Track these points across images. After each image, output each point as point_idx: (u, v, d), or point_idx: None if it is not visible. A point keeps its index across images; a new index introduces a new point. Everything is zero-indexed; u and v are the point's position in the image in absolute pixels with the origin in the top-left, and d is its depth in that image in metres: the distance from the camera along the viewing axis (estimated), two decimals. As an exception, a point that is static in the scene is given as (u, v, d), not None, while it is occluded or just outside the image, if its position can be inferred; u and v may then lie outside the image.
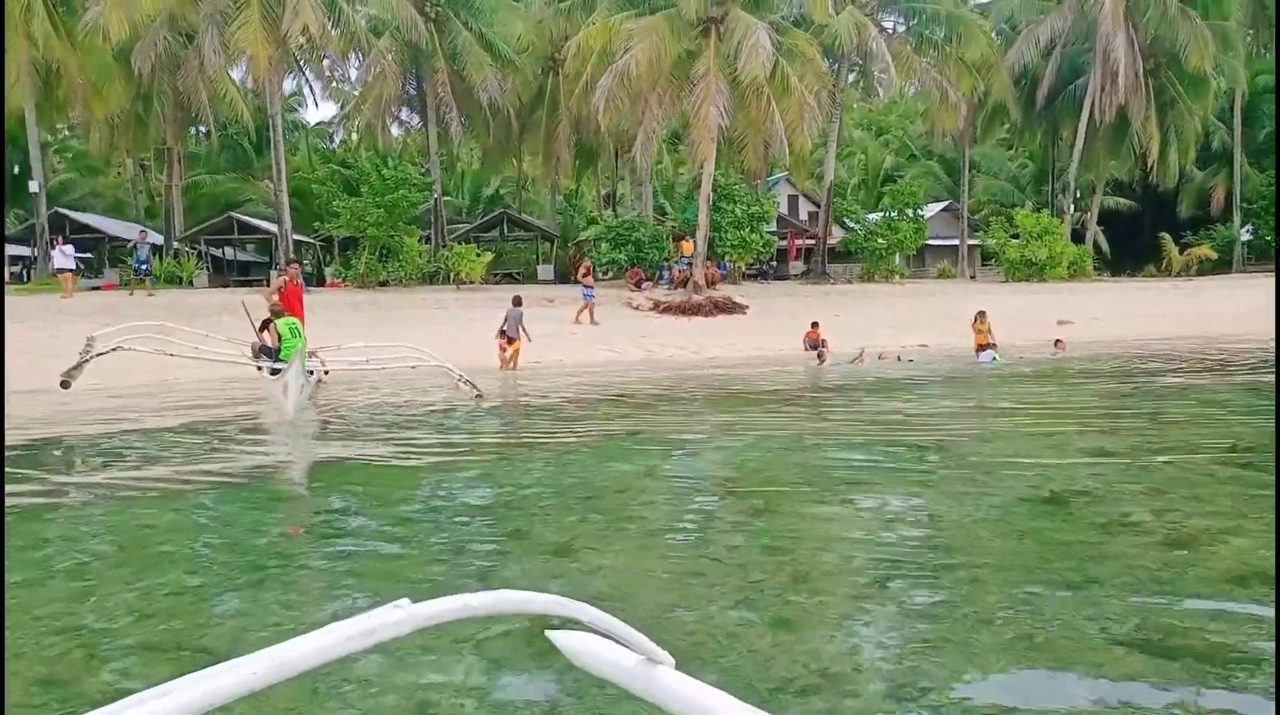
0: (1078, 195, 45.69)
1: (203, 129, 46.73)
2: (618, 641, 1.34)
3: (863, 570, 4.42)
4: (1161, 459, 7.37)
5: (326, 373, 14.58)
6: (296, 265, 16.86)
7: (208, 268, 39.02)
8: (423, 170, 38.19)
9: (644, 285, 34.04)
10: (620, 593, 4.20)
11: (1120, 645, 3.33)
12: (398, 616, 1.20)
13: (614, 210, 45.17)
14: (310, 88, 46.99)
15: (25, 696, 3.18)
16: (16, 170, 44.22)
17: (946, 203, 50.34)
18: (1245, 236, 48.09)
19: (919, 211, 40.19)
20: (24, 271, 38.42)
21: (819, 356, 20.84)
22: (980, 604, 3.84)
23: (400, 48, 35.88)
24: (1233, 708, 2.87)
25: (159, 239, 38.42)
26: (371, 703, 3.08)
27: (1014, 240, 40.26)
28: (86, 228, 40.05)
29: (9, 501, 6.48)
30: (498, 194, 56.28)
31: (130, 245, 33.28)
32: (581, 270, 29.55)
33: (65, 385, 11.71)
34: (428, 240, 37.10)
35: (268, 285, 20.91)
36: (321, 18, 29.99)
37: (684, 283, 32.38)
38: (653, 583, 4.37)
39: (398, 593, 1.30)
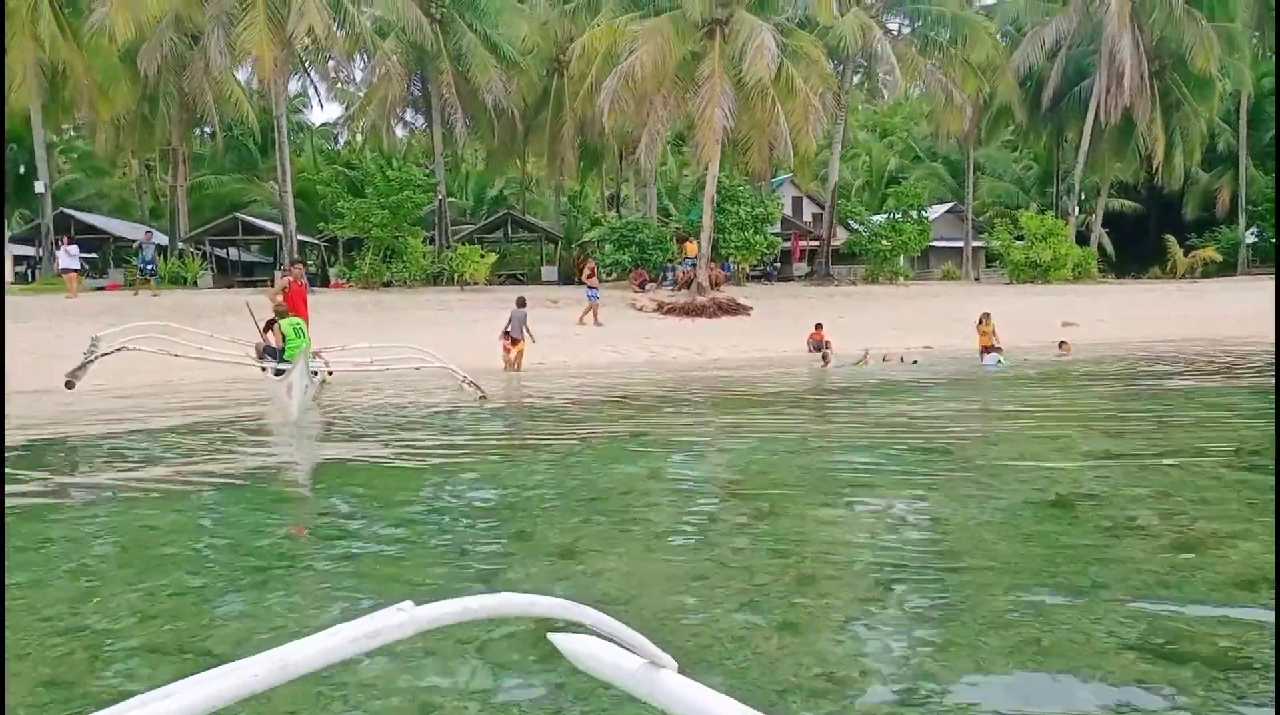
0: (1082, 197, 45.61)
1: (208, 130, 46.80)
2: (620, 645, 1.34)
3: (868, 573, 4.40)
4: (1168, 462, 7.34)
5: (330, 373, 14.58)
6: (301, 266, 16.87)
7: (212, 268, 39.07)
8: (427, 171, 38.22)
9: (648, 286, 34.02)
10: (625, 595, 4.18)
11: (1128, 650, 3.31)
12: (400, 619, 1.20)
13: (618, 211, 45.17)
14: (315, 89, 47.05)
15: (30, 697, 3.18)
16: (22, 171, 44.30)
17: (951, 204, 50.28)
18: (1250, 239, 47.95)
19: (923, 213, 40.12)
20: (29, 272, 38.51)
21: (823, 358, 20.82)
22: (987, 607, 3.82)
23: (405, 49, 35.91)
24: (1242, 713, 2.85)
25: (164, 240, 38.50)
26: (375, 705, 3.07)
27: (1018, 242, 40.20)
28: (91, 228, 40.13)
29: (12, 501, 6.48)
30: (502, 195, 56.31)
31: (136, 245, 33.33)
32: (586, 271, 29.55)
33: (70, 385, 11.72)
34: (432, 241, 37.12)
35: (272, 286, 20.93)
36: (327, 19, 30.03)
37: (688, 284, 32.35)
38: (658, 585, 4.35)
39: (401, 595, 1.29)
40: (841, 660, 3.32)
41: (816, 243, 42.47)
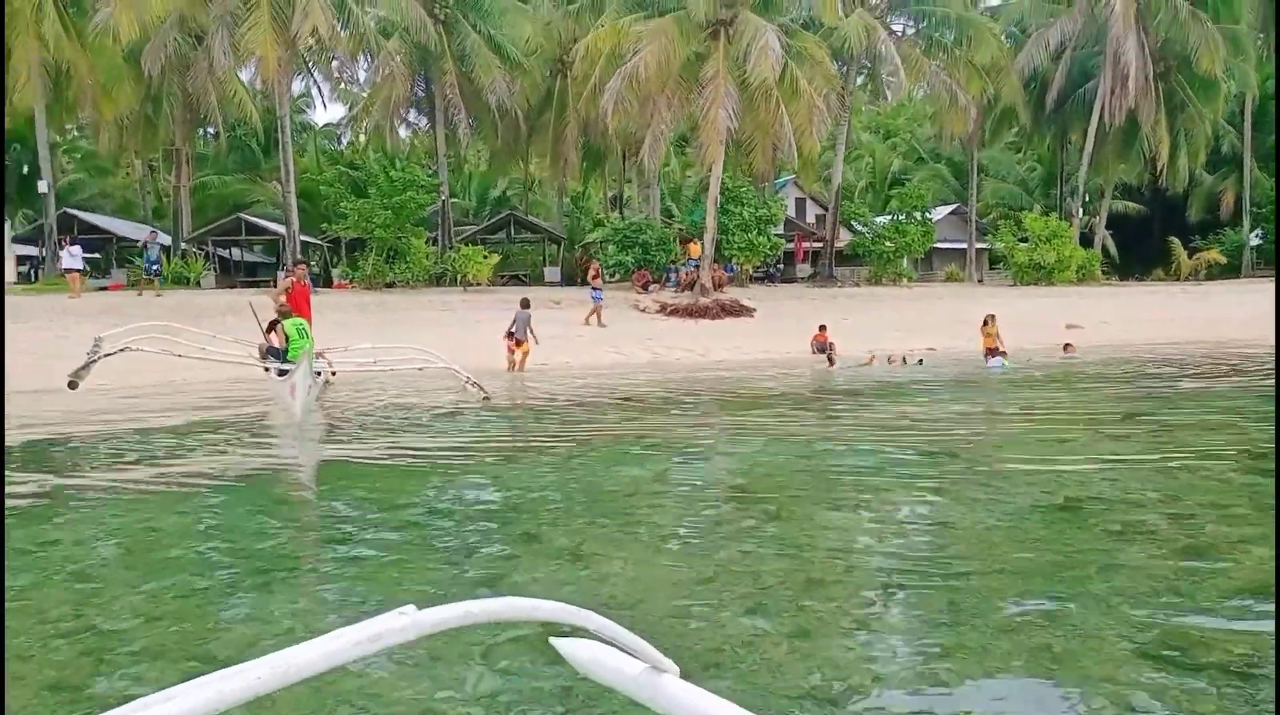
0: (1086, 199, 45.54)
1: (211, 130, 46.83)
2: (623, 649, 1.34)
3: (877, 577, 4.37)
4: (1176, 465, 7.29)
5: (334, 374, 14.57)
6: (304, 266, 16.85)
7: (215, 269, 39.08)
8: (430, 172, 38.23)
9: (651, 287, 33.99)
10: (631, 599, 4.15)
11: (1141, 657, 3.27)
12: (403, 623, 1.20)
13: (621, 212, 45.15)
14: (319, 89, 47.04)
15: (34, 700, 3.15)
16: (26, 170, 44.36)
17: (954, 206, 50.22)
18: (1254, 241, 47.85)
19: (927, 215, 40.08)
20: (32, 271, 38.55)
21: (829, 359, 20.79)
22: (997, 612, 3.78)
23: (409, 49, 35.92)
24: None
25: (168, 240, 38.52)
26: (379, 711, 3.04)
27: (1022, 244, 40.14)
28: (95, 228, 40.16)
29: (16, 502, 6.46)
30: (505, 196, 56.32)
31: (141, 244, 33.38)
32: (591, 272, 29.51)
33: (73, 386, 11.71)
34: (435, 242, 37.11)
35: (275, 286, 20.93)
36: (331, 19, 30.04)
37: (691, 285, 32.32)
38: (664, 589, 4.32)
39: (405, 598, 1.27)
40: (851, 665, 3.28)
41: (820, 244, 42.41)
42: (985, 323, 19.78)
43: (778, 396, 14.52)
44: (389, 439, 9.87)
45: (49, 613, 4.10)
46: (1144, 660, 3.25)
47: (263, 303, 15.65)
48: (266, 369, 12.45)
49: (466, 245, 36.60)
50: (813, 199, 48.49)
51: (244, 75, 35.26)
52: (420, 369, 14.72)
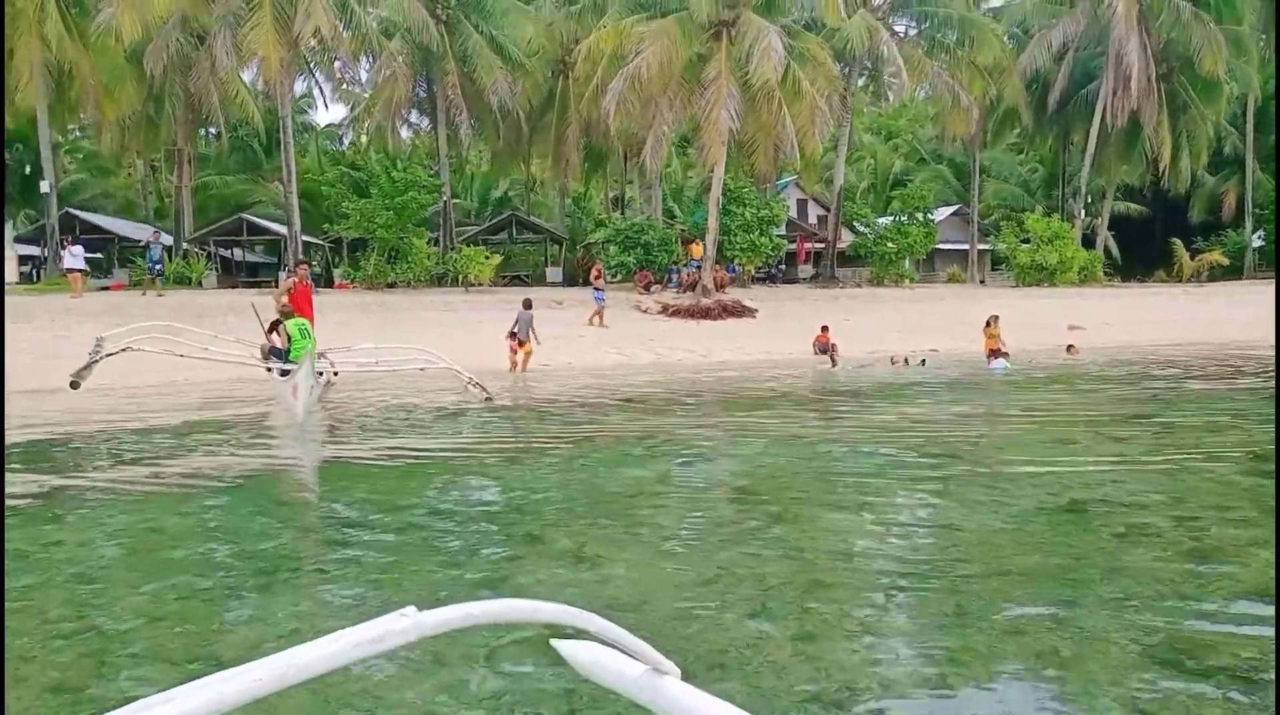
0: (1088, 200, 45.50)
1: (213, 130, 46.85)
2: (624, 651, 1.35)
3: (882, 579, 4.35)
4: (1181, 466, 7.27)
5: (336, 374, 14.56)
6: (306, 266, 16.85)
7: (216, 269, 39.09)
8: (432, 172, 38.23)
9: (652, 288, 33.98)
10: (635, 600, 4.13)
11: (1148, 660, 3.25)
12: (404, 624, 1.20)
13: (622, 213, 45.15)
14: (320, 90, 47.09)
15: (37, 702, 3.14)
16: (28, 171, 44.41)
17: (956, 207, 50.19)
18: (1256, 242, 47.81)
19: (929, 216, 40.06)
20: (34, 271, 38.57)
21: (831, 360, 20.78)
22: (1003, 615, 3.76)
23: (411, 50, 35.93)
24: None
25: (169, 240, 38.53)
26: (382, 712, 3.03)
27: (1024, 245, 40.12)
28: (97, 228, 40.19)
29: (18, 502, 6.45)
30: (506, 196, 56.34)
31: (144, 243, 33.43)
32: (594, 273, 29.50)
33: (75, 386, 11.71)
34: (436, 242, 37.12)
35: (277, 286, 20.93)
36: (333, 19, 30.05)
37: (693, 286, 32.31)
38: (668, 590, 4.30)
39: (408, 599, 1.26)
40: (857, 669, 3.27)
41: (821, 245, 42.40)
42: (988, 324, 19.74)
43: (780, 397, 14.49)
44: (391, 439, 9.86)
45: (51, 614, 4.08)
46: (1151, 664, 3.23)
47: (265, 303, 15.65)
48: (269, 369, 12.44)
49: (468, 246, 36.60)
50: (814, 200, 48.49)
51: (246, 75, 35.31)
52: (422, 369, 14.72)
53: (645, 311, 29.86)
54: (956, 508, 5.86)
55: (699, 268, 32.54)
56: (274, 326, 12.85)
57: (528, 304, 19.29)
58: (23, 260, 39.01)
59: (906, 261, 40.83)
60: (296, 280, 14.53)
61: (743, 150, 34.11)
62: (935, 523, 5.51)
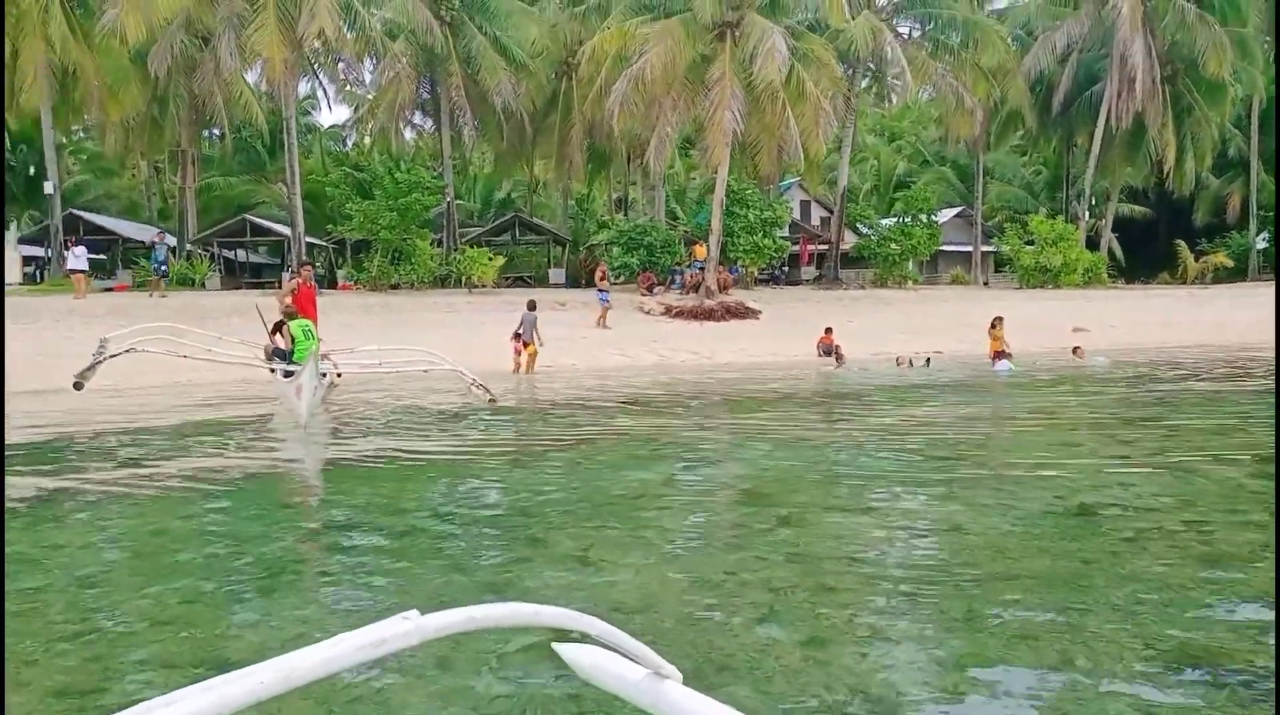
0: (1092, 202, 45.45)
1: (217, 132, 46.96)
2: (625, 655, 1.34)
3: (890, 583, 4.31)
4: (1189, 469, 7.23)
5: (340, 375, 14.55)
6: (309, 267, 16.84)
7: (220, 270, 39.13)
8: (435, 174, 38.25)
9: (656, 289, 33.98)
10: (641, 604, 4.10)
11: (1163, 667, 3.22)
12: (406, 628, 1.19)
13: (625, 214, 45.14)
14: (324, 91, 47.35)
15: (39, 705, 3.11)
16: (32, 172, 44.50)
17: (960, 209, 50.17)
18: (1261, 244, 47.74)
19: (933, 217, 40.02)
20: (38, 272, 38.63)
21: (837, 360, 20.76)
22: (1016, 619, 3.72)
23: (415, 51, 35.95)
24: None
25: (173, 241, 38.57)
26: (389, 718, 3.00)
27: (1028, 247, 40.08)
28: (101, 229, 40.27)
29: (21, 504, 6.43)
30: (509, 198, 56.38)
31: (149, 243, 33.49)
32: (598, 274, 29.50)
33: (78, 386, 11.69)
34: (440, 243, 37.15)
35: (280, 288, 20.92)
36: (337, 21, 30.08)
37: (696, 287, 32.30)
38: (674, 594, 4.27)
39: (413, 602, 1.24)
40: (868, 674, 3.23)
41: (825, 246, 42.39)
42: (992, 325, 19.71)
43: (784, 399, 14.46)
44: (395, 441, 9.84)
45: (54, 617, 4.06)
46: (1164, 671, 3.20)
47: (269, 304, 15.64)
48: (272, 370, 12.42)
49: (471, 247, 36.63)
50: (818, 201, 48.46)
51: (250, 77, 35.36)
52: (425, 371, 14.70)
53: (648, 313, 29.86)
54: (964, 511, 5.83)
55: (702, 269, 32.54)
56: (277, 327, 12.84)
57: (532, 305, 19.30)
58: (27, 261, 39.08)
59: (910, 263, 40.82)
60: (300, 281, 14.52)
61: (746, 151, 34.12)
62: (942, 526, 5.47)
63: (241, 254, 45.09)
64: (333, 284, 37.75)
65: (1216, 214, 49.56)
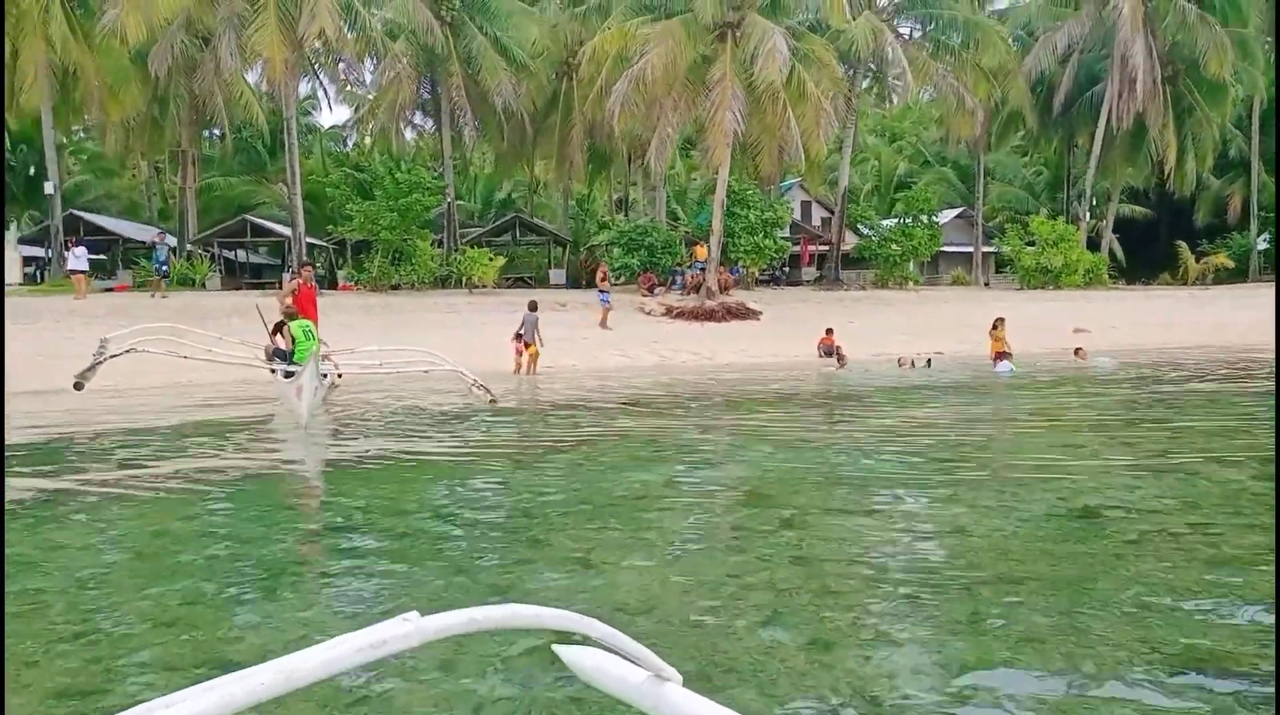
0: (1093, 203, 45.43)
1: (217, 132, 46.96)
2: (626, 658, 1.35)
3: (895, 586, 4.29)
4: (1192, 471, 7.21)
5: (340, 376, 14.53)
6: (310, 268, 16.83)
7: (220, 270, 39.12)
8: (436, 174, 38.23)
9: (656, 290, 33.96)
10: (645, 606, 4.08)
11: (1169, 671, 3.20)
12: (406, 629, 1.20)
13: (626, 215, 45.13)
14: (325, 91, 47.32)
15: (40, 707, 3.10)
16: (32, 172, 44.51)
17: (960, 209, 50.17)
18: (1262, 245, 47.71)
19: (934, 218, 40.01)
20: (38, 273, 38.63)
21: (839, 361, 20.75)
22: (1022, 622, 3.70)
23: (415, 52, 35.93)
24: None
25: (173, 241, 38.56)
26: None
27: (1029, 247, 40.06)
28: (101, 230, 40.26)
29: (22, 505, 6.41)
30: (510, 198, 56.36)
31: (150, 243, 33.49)
32: (599, 275, 29.50)
33: (79, 387, 11.69)
34: (440, 244, 37.13)
35: (280, 288, 20.90)
36: (338, 21, 30.06)
37: (697, 288, 32.28)
38: (677, 596, 4.25)
39: (414, 603, 1.23)
40: (873, 678, 3.21)
41: (826, 247, 42.37)
42: (994, 326, 19.69)
43: (785, 400, 14.45)
44: (395, 442, 9.82)
45: (55, 618, 4.04)
46: (1171, 675, 3.18)
47: (269, 305, 15.64)
48: (273, 371, 12.40)
49: (472, 247, 36.60)
50: (818, 202, 48.44)
51: (250, 77, 35.35)
52: (426, 372, 14.69)
53: (649, 313, 29.85)
54: (967, 513, 5.81)
55: (703, 270, 32.52)
56: (278, 328, 12.83)
57: (533, 306, 19.29)
58: (27, 261, 39.07)
59: (911, 264, 40.80)
60: (301, 282, 14.51)
61: (747, 152, 34.11)
62: (945, 528, 5.45)
63: (242, 254, 45.07)
64: (333, 284, 37.74)
65: (1217, 215, 49.55)
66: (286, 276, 29.51)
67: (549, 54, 38.69)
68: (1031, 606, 3.92)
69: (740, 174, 35.90)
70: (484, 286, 34.26)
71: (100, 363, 11.65)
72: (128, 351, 11.80)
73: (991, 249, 47.31)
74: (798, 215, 45.64)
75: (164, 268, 30.33)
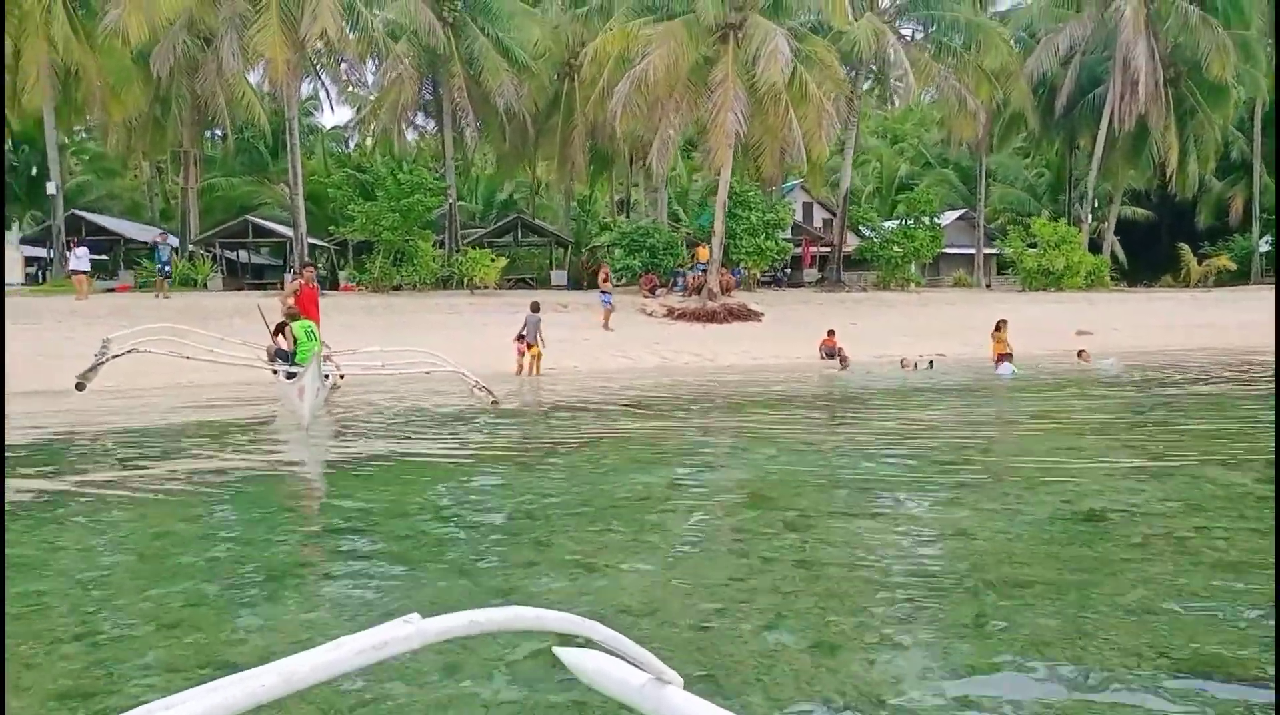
0: (1095, 205, 45.39)
1: (219, 132, 46.95)
2: (627, 660, 1.35)
3: (899, 589, 4.28)
4: (1197, 473, 7.19)
5: (342, 377, 14.53)
6: (312, 269, 16.84)
7: (222, 271, 39.12)
8: (437, 175, 38.22)
9: (658, 292, 33.94)
10: (649, 609, 4.06)
11: (1176, 676, 3.18)
12: (407, 631, 1.20)
13: (627, 216, 45.11)
14: (327, 92, 47.26)
15: (42, 711, 3.08)
16: (34, 172, 44.54)
17: (962, 211, 50.13)
18: (1264, 247, 47.65)
19: (935, 220, 39.98)
20: (40, 273, 38.64)
21: (841, 362, 20.72)
22: (1027, 626, 3.69)
23: (417, 52, 35.93)
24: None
25: (175, 242, 38.57)
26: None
27: (1031, 249, 40.02)
28: (103, 230, 40.26)
29: (24, 505, 6.40)
30: (511, 199, 56.35)
31: (151, 244, 33.50)
32: (601, 276, 29.49)
33: (80, 387, 11.70)
34: (442, 245, 37.13)
35: (282, 289, 20.91)
36: (340, 22, 30.06)
37: (698, 289, 32.26)
38: (681, 599, 4.23)
39: (416, 605, 1.23)
40: (880, 683, 3.19)
41: (827, 249, 42.34)
42: (997, 328, 19.66)
43: (787, 401, 14.43)
44: (397, 443, 9.81)
45: (56, 619, 4.03)
46: (1178, 679, 3.16)
47: (271, 306, 15.64)
48: (275, 372, 12.40)
49: (473, 248, 36.60)
50: (820, 204, 48.41)
51: (252, 78, 35.34)
52: (428, 373, 14.68)
53: (650, 315, 29.84)
54: (971, 516, 5.79)
55: (704, 271, 32.50)
56: (279, 329, 12.82)
57: (535, 307, 19.28)
58: (29, 262, 39.08)
59: (912, 266, 40.75)
60: (303, 283, 14.51)
61: (749, 153, 34.08)
62: (949, 531, 5.43)
63: (243, 255, 45.05)
64: (335, 285, 37.73)
65: (1219, 217, 49.50)
66: (288, 277, 29.51)
67: (551, 55, 38.67)
68: (1037, 610, 3.90)
69: (742, 175, 35.87)
70: (485, 288, 34.26)
71: (102, 363, 11.65)
72: (129, 352, 11.80)
73: (993, 251, 47.27)
74: (799, 217, 45.62)
75: (167, 268, 30.35)
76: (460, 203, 43.68)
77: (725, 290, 32.35)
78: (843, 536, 5.34)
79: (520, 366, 18.83)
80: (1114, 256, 45.45)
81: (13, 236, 39.49)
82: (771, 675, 3.26)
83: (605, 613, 3.87)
